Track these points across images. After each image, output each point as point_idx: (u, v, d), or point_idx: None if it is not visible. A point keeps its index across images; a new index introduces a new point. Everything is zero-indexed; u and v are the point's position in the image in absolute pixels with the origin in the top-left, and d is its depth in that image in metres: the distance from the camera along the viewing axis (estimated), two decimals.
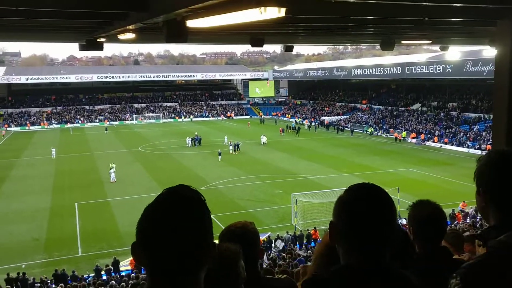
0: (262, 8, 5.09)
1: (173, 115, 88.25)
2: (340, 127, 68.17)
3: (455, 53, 54.81)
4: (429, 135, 55.56)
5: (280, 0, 5.16)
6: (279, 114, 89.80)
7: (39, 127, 78.09)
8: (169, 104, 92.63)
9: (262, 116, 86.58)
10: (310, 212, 26.11)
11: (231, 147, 48.74)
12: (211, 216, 1.54)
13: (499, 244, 1.63)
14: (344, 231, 1.62)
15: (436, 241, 2.77)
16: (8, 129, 74.25)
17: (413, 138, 56.20)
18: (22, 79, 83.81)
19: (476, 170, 1.84)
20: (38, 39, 20.46)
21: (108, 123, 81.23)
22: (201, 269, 1.47)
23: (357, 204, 1.61)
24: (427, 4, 8.49)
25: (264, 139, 54.63)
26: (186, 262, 1.42)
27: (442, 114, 60.41)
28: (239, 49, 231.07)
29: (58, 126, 79.36)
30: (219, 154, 44.39)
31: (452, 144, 51.63)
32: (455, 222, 22.78)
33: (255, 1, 5.12)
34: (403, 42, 18.91)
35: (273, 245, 22.13)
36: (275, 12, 5.19)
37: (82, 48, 16.39)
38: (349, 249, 1.61)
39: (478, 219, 20.55)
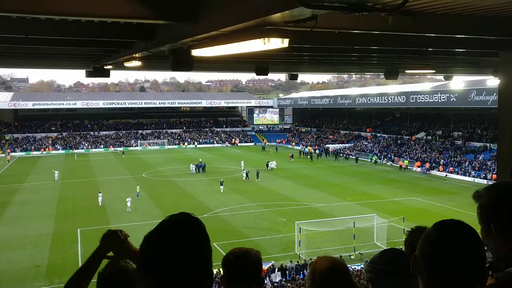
0: (266, 39, 5.17)
1: (178, 142, 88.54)
2: (345, 155, 68.30)
3: (459, 82, 55.02)
4: (434, 164, 55.33)
5: (283, 31, 5.24)
6: (283, 141, 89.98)
7: (44, 152, 78.51)
8: (174, 131, 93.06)
9: (266, 143, 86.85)
10: (314, 241, 25.82)
11: (244, 174, 48.80)
12: (213, 243, 1.54)
13: (507, 276, 1.62)
14: (427, 268, 1.62)
15: None
16: (13, 154, 74.61)
17: (418, 166, 55.96)
18: (29, 105, 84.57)
19: (482, 206, 1.82)
20: (46, 65, 20.75)
21: (112, 149, 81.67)
22: None
23: (444, 241, 1.60)
24: (431, 35, 8.59)
25: (273, 164, 55.70)
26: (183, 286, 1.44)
27: (447, 143, 60.30)
28: (245, 77, 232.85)
29: (63, 151, 79.72)
30: (221, 184, 42.85)
31: (458, 174, 51.35)
32: None
33: (259, 32, 5.20)
34: (407, 71, 19.07)
35: (271, 275, 21.73)
36: (278, 43, 5.26)
37: (89, 75, 16.62)
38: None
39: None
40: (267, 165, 55.49)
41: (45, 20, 8.63)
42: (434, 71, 19.79)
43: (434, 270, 1.59)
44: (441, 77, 27.42)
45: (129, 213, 34.31)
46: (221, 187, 42.50)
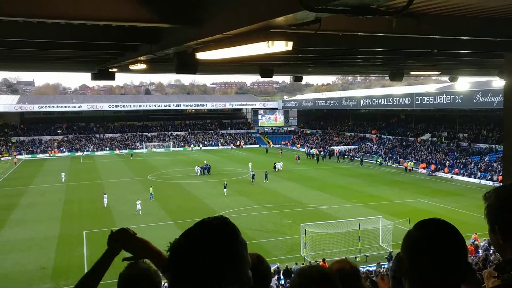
0: (270, 42, 5.18)
1: (183, 144, 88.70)
2: (349, 157, 68.21)
3: (464, 83, 54.79)
4: (439, 166, 55.12)
5: (287, 34, 5.26)
6: (288, 143, 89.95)
7: (50, 154, 78.92)
8: (179, 133, 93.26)
9: (271, 145, 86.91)
10: (320, 243, 25.77)
11: (252, 175, 48.85)
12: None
13: None
14: (411, 269, 1.63)
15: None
16: (19, 156, 75.03)
17: (423, 168, 55.77)
18: (35, 108, 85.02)
19: (489, 207, 1.82)
20: (52, 69, 20.87)
21: (118, 151, 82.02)
22: None
23: (425, 241, 1.61)
24: (435, 36, 8.58)
25: (280, 165, 56.20)
26: None
27: (452, 144, 60.04)
28: (249, 79, 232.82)
29: (69, 154, 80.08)
30: (225, 187, 42.37)
31: (463, 175, 51.12)
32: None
33: (263, 35, 5.22)
34: (412, 73, 19.03)
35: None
36: (282, 46, 5.27)
37: (94, 77, 16.70)
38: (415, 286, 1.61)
39: (491, 252, 20.17)
40: (274, 167, 55.73)
41: (51, 24, 8.70)
42: (439, 72, 19.73)
43: (417, 270, 1.59)
44: (446, 78, 27.32)
45: (135, 215, 34.35)
46: (225, 190, 42.03)
